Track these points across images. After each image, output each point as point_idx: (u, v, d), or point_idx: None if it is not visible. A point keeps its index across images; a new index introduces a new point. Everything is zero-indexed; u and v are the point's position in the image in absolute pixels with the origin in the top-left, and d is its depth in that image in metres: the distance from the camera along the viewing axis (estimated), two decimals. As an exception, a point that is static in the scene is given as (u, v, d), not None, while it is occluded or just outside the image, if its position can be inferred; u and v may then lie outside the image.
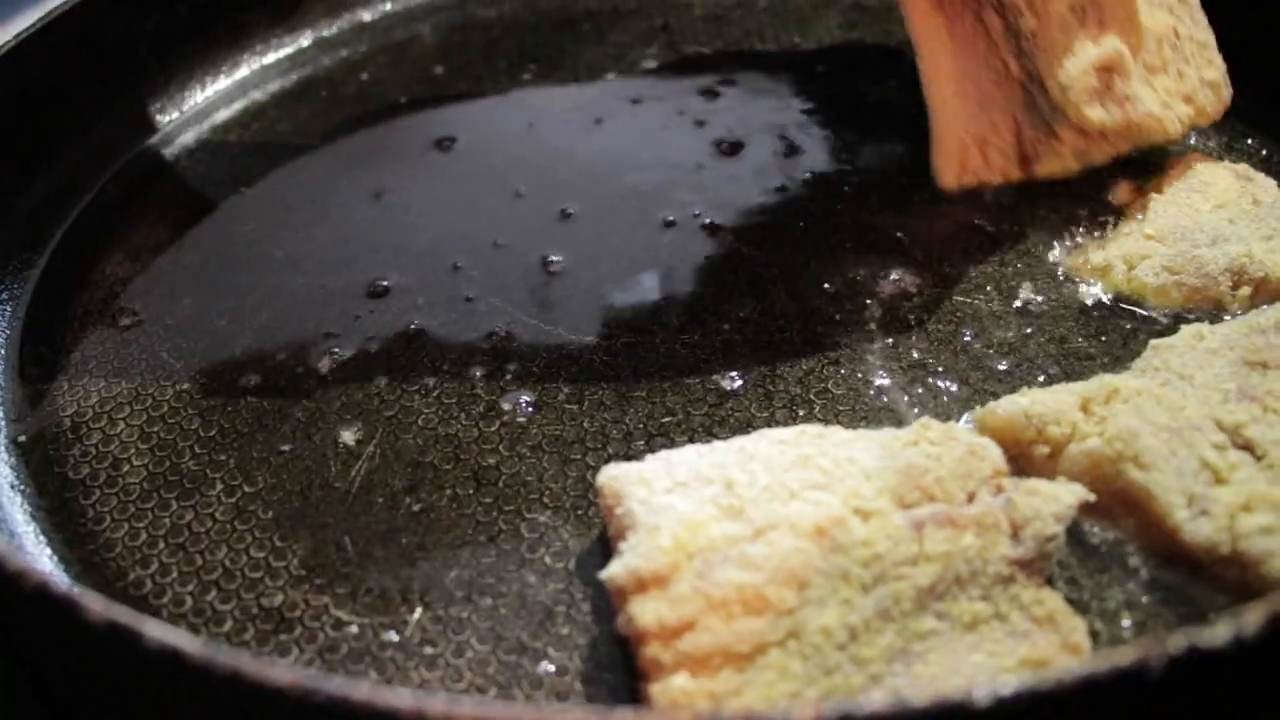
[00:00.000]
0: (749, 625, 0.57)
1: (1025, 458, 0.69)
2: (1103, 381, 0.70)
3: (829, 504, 0.61)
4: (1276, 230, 0.80)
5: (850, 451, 0.64)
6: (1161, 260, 0.80)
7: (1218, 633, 0.48)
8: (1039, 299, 0.81)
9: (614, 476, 0.64)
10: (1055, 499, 0.62)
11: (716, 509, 0.61)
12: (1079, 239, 0.84)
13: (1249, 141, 0.93)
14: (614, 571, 0.60)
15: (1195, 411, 0.67)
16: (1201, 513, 0.63)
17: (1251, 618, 0.48)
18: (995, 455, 0.64)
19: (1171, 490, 0.64)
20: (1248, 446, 0.65)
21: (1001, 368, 0.76)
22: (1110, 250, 0.82)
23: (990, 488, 0.63)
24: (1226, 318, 0.77)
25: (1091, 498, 0.63)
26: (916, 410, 0.74)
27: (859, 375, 0.76)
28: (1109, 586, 0.64)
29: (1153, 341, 0.73)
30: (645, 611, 0.57)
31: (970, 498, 0.62)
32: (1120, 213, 0.86)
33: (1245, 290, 0.77)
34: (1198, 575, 0.63)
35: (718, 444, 0.66)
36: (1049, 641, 0.58)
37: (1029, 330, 0.79)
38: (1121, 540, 0.65)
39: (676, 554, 0.59)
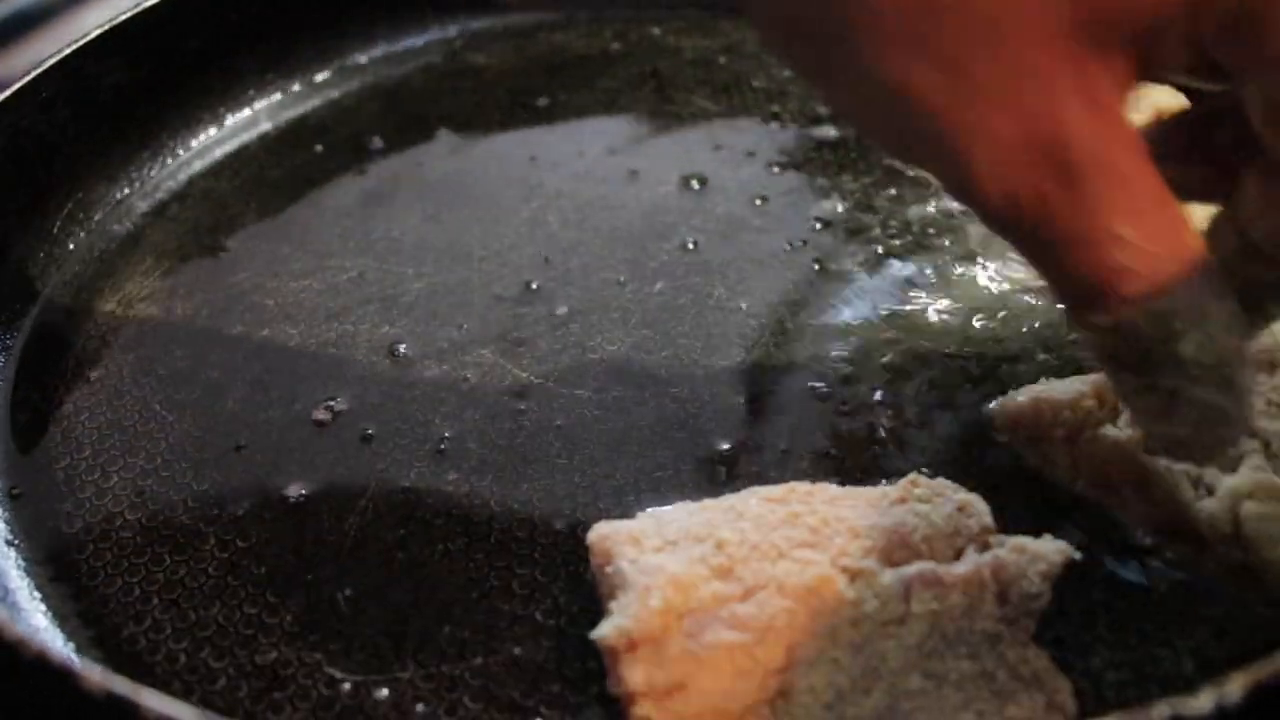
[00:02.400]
0: (738, 686, 0.57)
1: (1044, 440, 0.72)
2: None
3: (817, 563, 0.61)
4: None
5: (838, 510, 0.65)
6: None
7: (1200, 702, 0.49)
8: (1034, 308, 0.83)
9: (604, 535, 0.65)
10: (1042, 557, 0.62)
11: (706, 569, 0.62)
12: None
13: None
14: (604, 632, 0.60)
15: None
16: (1207, 493, 0.66)
17: (1233, 687, 0.49)
18: (984, 511, 0.65)
19: (1179, 472, 0.67)
20: (1253, 436, 0.67)
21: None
22: None
23: (978, 544, 0.64)
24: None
25: (1076, 555, 0.64)
26: (914, 458, 0.75)
27: (846, 428, 0.77)
28: (1094, 644, 0.64)
29: None
30: (635, 673, 0.58)
31: (958, 554, 0.63)
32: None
33: None
34: (1201, 558, 0.66)
35: (708, 501, 0.67)
36: (1034, 702, 0.59)
37: (1018, 358, 0.81)
38: (1105, 601, 0.66)
39: (667, 614, 0.59)
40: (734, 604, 0.60)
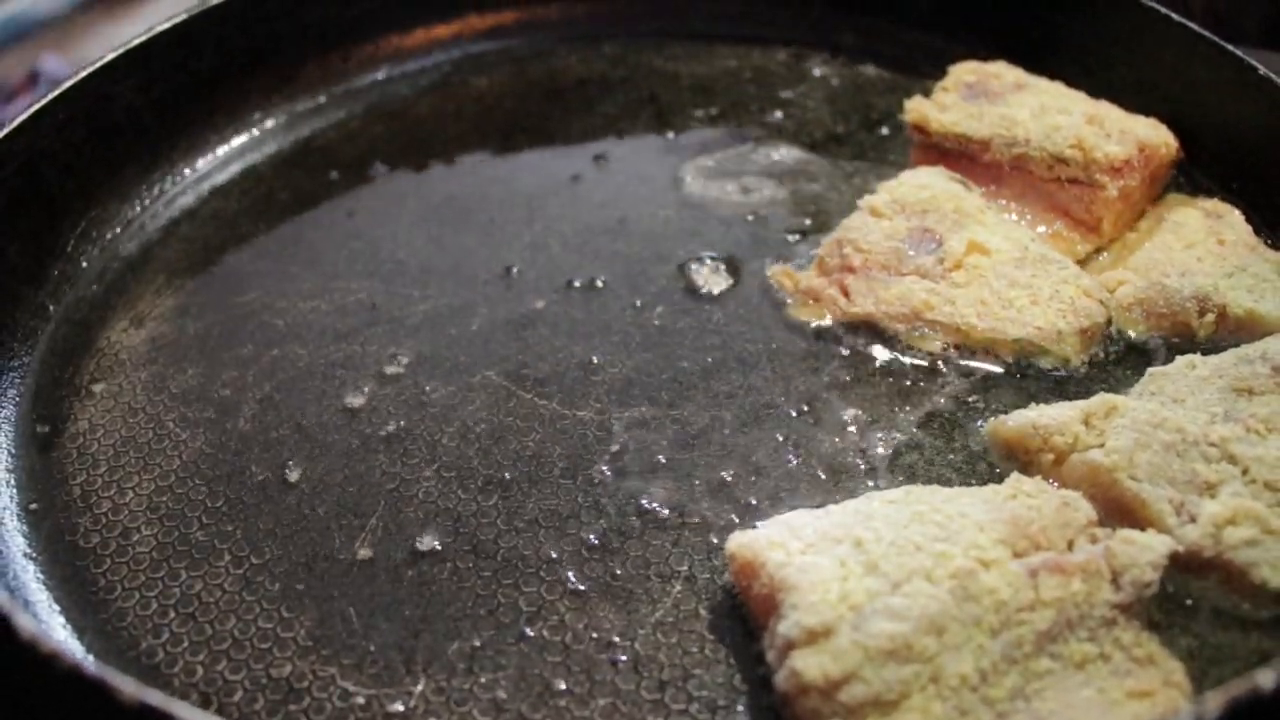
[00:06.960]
0: (898, 673, 0.62)
1: (1033, 464, 0.76)
2: (1104, 399, 0.77)
3: (953, 555, 0.66)
4: (1237, 268, 0.88)
5: (958, 506, 0.69)
6: (1133, 291, 0.87)
7: (1180, 717, 0.52)
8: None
9: (745, 544, 0.69)
10: (1150, 549, 0.67)
11: (855, 565, 0.66)
12: None
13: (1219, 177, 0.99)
14: (786, 628, 0.63)
15: (1187, 429, 0.73)
16: (1190, 519, 0.70)
17: (1212, 704, 0.52)
18: (1086, 507, 0.70)
19: (1162, 499, 0.71)
20: (1233, 462, 0.72)
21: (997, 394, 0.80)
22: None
23: (1087, 536, 0.68)
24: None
25: (1180, 549, 0.68)
26: (923, 465, 0.77)
27: (834, 451, 0.80)
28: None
29: (1150, 369, 0.80)
30: (810, 666, 0.62)
31: (1069, 545, 0.68)
32: (1101, 247, 0.93)
33: (1210, 317, 0.84)
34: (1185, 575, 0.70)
35: (831, 507, 0.71)
36: (1152, 680, 0.64)
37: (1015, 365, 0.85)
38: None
39: (840, 607, 0.63)
40: (886, 597, 0.64)
